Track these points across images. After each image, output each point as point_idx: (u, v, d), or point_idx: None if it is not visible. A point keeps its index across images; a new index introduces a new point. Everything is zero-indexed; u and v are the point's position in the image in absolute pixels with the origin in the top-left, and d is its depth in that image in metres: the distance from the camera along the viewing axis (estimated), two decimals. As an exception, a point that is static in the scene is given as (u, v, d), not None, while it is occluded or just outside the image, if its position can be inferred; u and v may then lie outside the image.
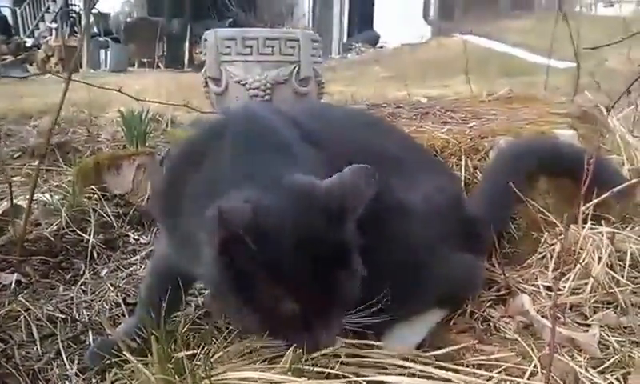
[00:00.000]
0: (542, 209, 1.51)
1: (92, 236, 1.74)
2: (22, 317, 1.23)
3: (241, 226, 0.78)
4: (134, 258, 1.64)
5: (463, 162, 1.67)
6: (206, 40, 2.39)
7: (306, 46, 2.26)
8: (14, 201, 1.85)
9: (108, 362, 1.05)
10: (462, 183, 1.60)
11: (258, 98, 2.19)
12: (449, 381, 0.93)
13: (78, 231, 1.80)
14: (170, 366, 0.81)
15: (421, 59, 7.69)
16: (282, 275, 0.82)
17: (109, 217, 1.88)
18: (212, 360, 0.84)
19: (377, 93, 4.70)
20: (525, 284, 1.35)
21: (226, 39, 2.27)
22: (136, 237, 1.84)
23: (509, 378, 0.99)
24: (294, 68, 2.23)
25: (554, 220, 1.48)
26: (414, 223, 1.08)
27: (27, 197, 1.65)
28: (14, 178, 2.74)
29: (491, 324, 1.21)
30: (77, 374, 1.06)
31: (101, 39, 10.90)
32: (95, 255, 1.70)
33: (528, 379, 0.98)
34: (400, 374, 0.91)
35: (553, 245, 1.44)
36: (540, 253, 1.46)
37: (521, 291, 1.31)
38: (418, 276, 1.09)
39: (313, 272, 0.84)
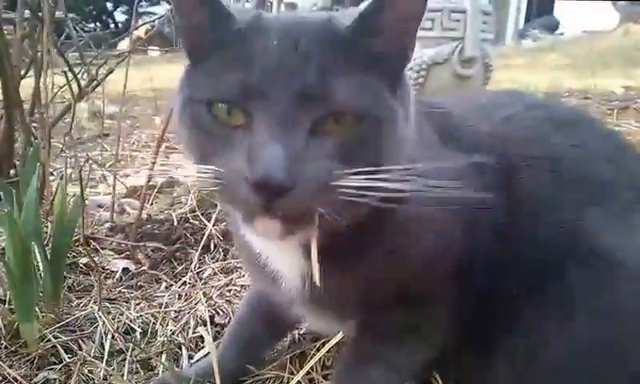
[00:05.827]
0: None
1: (212, 224, 1.55)
2: (99, 323, 1.05)
3: None
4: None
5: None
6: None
7: (475, 20, 1.84)
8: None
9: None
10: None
11: (410, 80, 1.83)
12: None
13: (202, 218, 1.64)
14: None
15: (603, 48, 6.57)
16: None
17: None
18: None
19: (553, 83, 4.07)
20: None
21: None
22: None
23: None
24: (457, 46, 1.83)
25: None
26: (624, 287, 0.66)
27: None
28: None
29: None
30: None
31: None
32: (212, 247, 1.51)
33: None
34: None
35: None
36: None
37: None
38: (620, 374, 0.67)
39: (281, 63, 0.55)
